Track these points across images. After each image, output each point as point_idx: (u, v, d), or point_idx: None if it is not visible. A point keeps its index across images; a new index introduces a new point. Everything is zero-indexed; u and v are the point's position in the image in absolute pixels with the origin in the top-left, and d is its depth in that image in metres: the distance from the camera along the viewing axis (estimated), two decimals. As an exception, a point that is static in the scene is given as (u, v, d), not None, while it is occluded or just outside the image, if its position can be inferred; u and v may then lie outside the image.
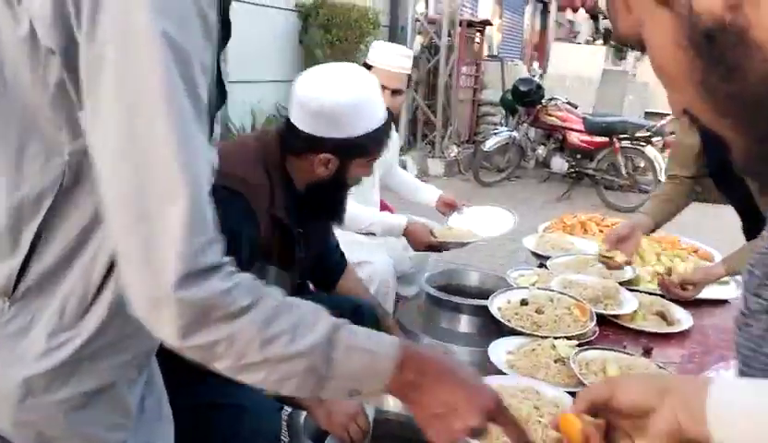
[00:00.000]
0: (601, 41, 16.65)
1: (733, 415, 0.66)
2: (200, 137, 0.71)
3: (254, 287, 0.73)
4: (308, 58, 6.38)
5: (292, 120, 1.57)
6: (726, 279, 2.24)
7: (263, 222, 1.49)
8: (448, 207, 2.78)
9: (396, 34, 8.90)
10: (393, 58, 2.57)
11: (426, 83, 8.50)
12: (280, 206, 1.54)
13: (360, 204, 2.52)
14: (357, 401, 1.32)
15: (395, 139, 2.93)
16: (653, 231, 2.24)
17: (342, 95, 1.53)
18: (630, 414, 0.69)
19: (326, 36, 6.40)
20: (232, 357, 0.71)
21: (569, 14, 20.09)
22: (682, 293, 2.01)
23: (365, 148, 1.59)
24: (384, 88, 2.61)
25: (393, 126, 2.80)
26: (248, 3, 5.64)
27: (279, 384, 0.74)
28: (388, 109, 2.70)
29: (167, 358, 1.40)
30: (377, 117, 1.60)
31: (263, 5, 5.90)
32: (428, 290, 2.21)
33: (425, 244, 2.40)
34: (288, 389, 0.75)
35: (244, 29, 5.52)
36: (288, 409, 1.50)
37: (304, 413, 1.44)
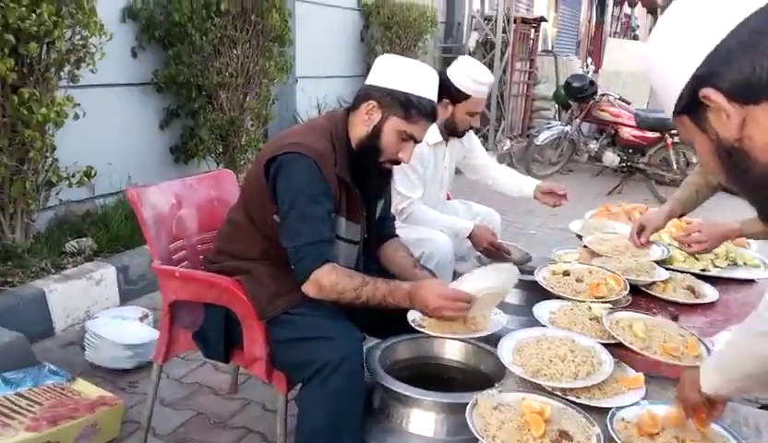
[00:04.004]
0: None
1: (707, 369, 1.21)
2: None
3: None
4: (369, 55, 6.71)
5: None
6: (756, 261, 2.44)
7: (332, 182, 1.76)
8: (550, 196, 2.91)
9: (452, 31, 9.16)
10: (486, 89, 2.73)
11: (480, 78, 8.66)
12: (342, 167, 1.81)
13: (429, 199, 2.78)
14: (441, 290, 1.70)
15: (475, 141, 3.10)
16: (680, 217, 2.44)
17: (406, 60, 1.84)
18: None
19: (386, 33, 6.74)
20: None
21: (626, 8, 19.81)
22: (696, 246, 2.28)
23: (404, 106, 1.77)
24: (477, 113, 2.75)
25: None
26: (314, 3, 5.98)
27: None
28: (471, 127, 2.85)
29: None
30: (424, 92, 1.79)
31: (328, 5, 6.23)
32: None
33: (487, 241, 2.67)
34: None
35: (311, 28, 5.90)
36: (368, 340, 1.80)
37: (381, 347, 1.73)
